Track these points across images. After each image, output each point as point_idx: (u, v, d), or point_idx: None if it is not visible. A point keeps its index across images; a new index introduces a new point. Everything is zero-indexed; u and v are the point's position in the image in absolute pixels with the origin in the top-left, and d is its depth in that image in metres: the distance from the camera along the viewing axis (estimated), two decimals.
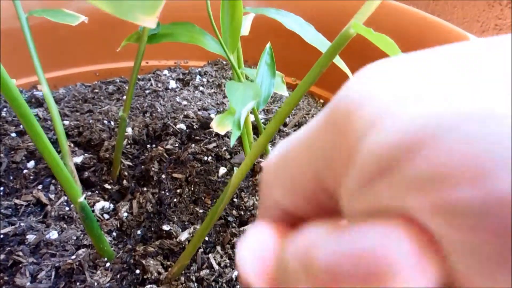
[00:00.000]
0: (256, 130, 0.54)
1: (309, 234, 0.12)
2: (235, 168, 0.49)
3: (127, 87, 0.64)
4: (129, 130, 0.54)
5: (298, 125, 0.54)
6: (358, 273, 0.10)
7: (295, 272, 0.11)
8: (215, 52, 0.41)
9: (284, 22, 0.40)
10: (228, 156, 0.50)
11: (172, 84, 0.64)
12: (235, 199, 0.45)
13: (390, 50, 0.20)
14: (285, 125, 0.54)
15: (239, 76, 0.35)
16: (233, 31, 0.32)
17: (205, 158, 0.50)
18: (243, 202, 0.44)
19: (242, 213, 0.44)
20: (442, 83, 0.10)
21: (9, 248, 0.40)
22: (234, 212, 0.44)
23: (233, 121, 0.26)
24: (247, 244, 0.13)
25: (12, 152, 0.52)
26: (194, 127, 0.55)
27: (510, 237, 0.08)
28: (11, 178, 0.49)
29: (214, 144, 0.51)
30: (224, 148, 0.51)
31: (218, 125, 0.43)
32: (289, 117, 0.55)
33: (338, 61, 0.40)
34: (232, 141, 0.26)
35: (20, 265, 0.39)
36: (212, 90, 0.63)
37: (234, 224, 0.43)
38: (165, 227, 0.42)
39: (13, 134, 0.56)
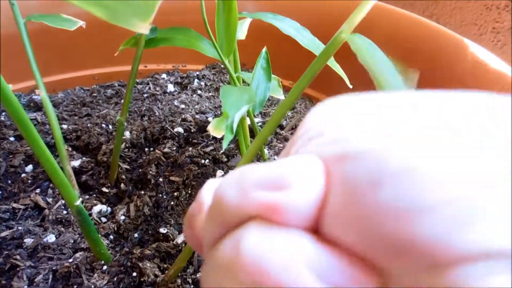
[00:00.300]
0: (254, 133, 0.54)
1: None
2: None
3: (125, 91, 0.65)
4: (127, 134, 0.55)
5: (295, 128, 0.54)
6: None
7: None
8: (212, 56, 0.41)
9: (280, 27, 0.40)
10: (225, 159, 0.50)
11: (170, 87, 0.64)
12: None
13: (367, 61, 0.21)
14: (282, 128, 0.54)
15: (234, 80, 0.35)
16: (229, 36, 0.32)
17: (202, 161, 0.50)
18: None
19: None
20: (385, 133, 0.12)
21: (6, 252, 0.40)
22: None
23: (226, 125, 0.26)
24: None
25: (11, 156, 0.52)
26: (192, 130, 0.55)
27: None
28: (9, 182, 0.49)
29: (211, 147, 0.52)
30: (221, 151, 0.51)
31: (215, 129, 0.43)
32: (285, 120, 0.55)
33: (333, 65, 0.40)
34: (224, 145, 0.26)
35: (18, 269, 0.39)
36: (210, 94, 0.63)
37: None
38: (162, 230, 0.42)
39: (12, 138, 0.56)
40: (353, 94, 0.15)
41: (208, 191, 0.17)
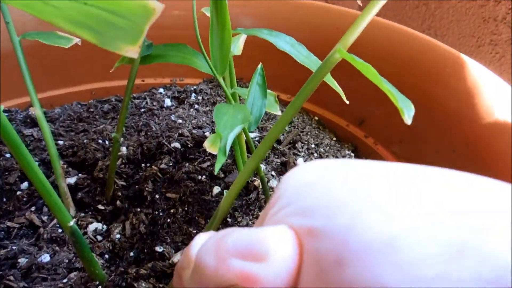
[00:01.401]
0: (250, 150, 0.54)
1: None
2: (225, 192, 0.48)
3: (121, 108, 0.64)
4: (123, 149, 0.54)
5: (293, 143, 0.54)
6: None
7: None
8: (208, 73, 0.41)
9: (276, 43, 0.40)
10: (222, 175, 0.50)
11: (168, 102, 0.64)
12: (228, 219, 0.45)
13: (373, 78, 0.20)
14: (279, 142, 0.54)
15: (229, 98, 0.35)
16: (223, 54, 0.32)
17: (199, 177, 0.49)
18: (236, 221, 0.44)
19: None
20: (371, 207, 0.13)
21: (0, 273, 0.40)
22: None
23: (219, 147, 0.26)
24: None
25: (6, 173, 0.52)
26: (189, 145, 0.55)
27: None
28: (4, 200, 0.49)
29: (208, 163, 0.51)
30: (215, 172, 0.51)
31: (211, 145, 0.43)
32: (283, 134, 0.55)
33: (330, 81, 0.40)
34: (217, 168, 0.25)
35: None
36: (207, 108, 0.63)
37: None
38: (158, 249, 0.42)
39: (8, 155, 0.56)
40: (327, 160, 0.16)
41: (197, 246, 0.18)
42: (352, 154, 0.54)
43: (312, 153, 0.52)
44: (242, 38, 0.48)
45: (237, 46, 0.47)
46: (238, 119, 0.28)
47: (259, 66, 0.39)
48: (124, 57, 0.45)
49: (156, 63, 0.44)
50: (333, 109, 0.59)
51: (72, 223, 0.34)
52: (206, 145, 0.43)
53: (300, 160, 0.49)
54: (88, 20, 0.19)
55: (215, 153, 0.48)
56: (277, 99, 0.45)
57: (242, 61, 0.50)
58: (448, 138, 0.46)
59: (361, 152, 0.56)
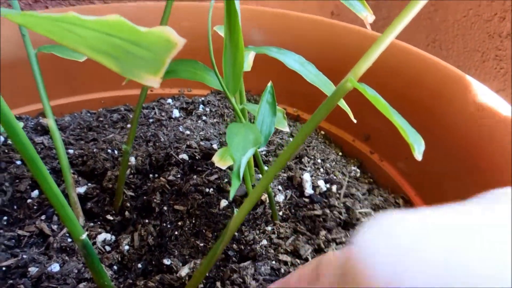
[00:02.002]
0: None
1: None
2: (233, 209, 0.49)
3: (131, 116, 0.65)
4: (132, 160, 0.55)
5: (299, 158, 0.54)
6: None
7: None
8: (218, 88, 0.42)
9: (285, 61, 0.40)
10: (230, 188, 0.51)
11: (176, 113, 0.65)
12: (235, 233, 0.45)
13: (384, 111, 0.21)
14: None
15: (239, 117, 0.36)
16: (235, 74, 0.33)
17: (207, 190, 0.50)
18: (243, 236, 0.45)
19: (243, 247, 0.44)
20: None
21: (11, 281, 0.41)
22: (235, 246, 0.44)
23: (233, 172, 0.26)
24: None
25: (17, 181, 0.53)
26: (197, 157, 0.55)
27: None
28: (15, 207, 0.50)
29: (215, 176, 0.52)
30: (226, 179, 0.51)
31: (220, 160, 0.44)
32: None
33: (340, 102, 0.41)
34: (232, 194, 0.26)
35: None
36: (215, 120, 0.64)
37: (234, 259, 0.44)
38: (166, 261, 0.42)
39: (18, 162, 0.57)
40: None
41: None
42: (358, 170, 0.54)
43: (318, 168, 0.53)
44: (252, 54, 0.49)
45: (247, 62, 0.48)
46: (250, 140, 0.29)
47: (269, 84, 0.40)
48: None
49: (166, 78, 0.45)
50: (340, 124, 0.60)
51: (84, 236, 0.34)
52: (215, 159, 0.44)
53: (306, 175, 0.50)
54: (111, 49, 0.20)
55: (223, 168, 0.49)
56: (285, 114, 0.46)
57: (251, 74, 0.51)
58: (454, 156, 0.46)
59: (366, 168, 0.57)
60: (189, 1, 0.69)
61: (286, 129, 0.45)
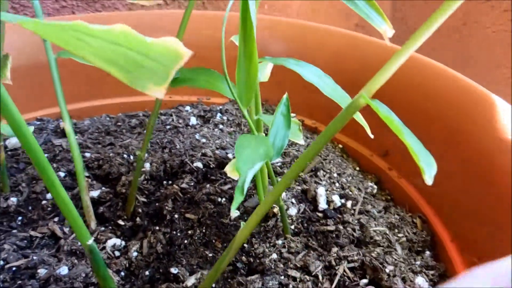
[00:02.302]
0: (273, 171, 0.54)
1: None
2: (244, 220, 0.48)
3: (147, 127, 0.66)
4: (147, 166, 0.55)
5: (315, 171, 0.53)
6: None
7: None
8: (233, 98, 0.42)
9: (302, 74, 0.40)
10: (242, 199, 0.50)
11: (193, 120, 0.65)
12: (245, 245, 0.45)
13: (396, 130, 0.20)
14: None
15: (252, 129, 0.35)
16: (248, 85, 0.33)
17: (219, 199, 0.50)
18: (253, 248, 0.44)
19: (252, 260, 0.43)
20: None
21: (20, 282, 0.41)
22: (244, 258, 0.43)
23: (237, 186, 0.26)
24: None
25: (34, 182, 0.53)
26: (211, 166, 0.55)
27: None
28: (30, 208, 0.50)
29: (229, 186, 0.51)
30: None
31: (233, 170, 0.43)
32: None
33: (357, 116, 0.40)
34: (233, 209, 0.25)
35: None
36: (232, 129, 0.63)
37: (242, 271, 0.43)
38: (173, 270, 0.42)
39: None
40: None
41: None
42: (375, 186, 0.53)
43: (333, 183, 0.51)
44: (270, 65, 0.48)
45: (264, 73, 0.48)
46: (260, 153, 0.28)
47: (285, 96, 0.39)
48: None
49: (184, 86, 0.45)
50: (358, 138, 0.59)
51: (91, 241, 0.34)
52: (228, 170, 0.43)
53: (321, 189, 0.49)
54: (119, 59, 0.20)
55: (236, 179, 0.48)
56: (301, 127, 0.45)
57: (269, 84, 0.50)
58: (476, 177, 0.45)
59: (384, 184, 0.55)
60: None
61: (301, 142, 0.44)
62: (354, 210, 0.47)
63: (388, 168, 0.55)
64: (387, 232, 0.44)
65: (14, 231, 0.47)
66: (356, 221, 0.46)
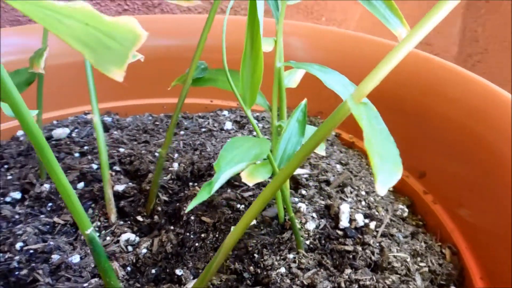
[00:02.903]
0: (298, 183, 0.52)
1: None
2: (260, 229, 0.46)
3: (186, 123, 0.66)
4: (175, 166, 0.55)
5: (342, 186, 0.50)
6: None
7: None
8: (257, 103, 0.41)
9: (325, 81, 0.38)
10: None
11: (228, 125, 0.64)
12: (255, 254, 0.43)
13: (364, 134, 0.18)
14: (328, 183, 0.51)
15: (257, 131, 0.34)
16: (253, 85, 0.31)
17: (238, 205, 0.48)
18: (262, 259, 0.42)
19: (259, 271, 0.41)
20: None
21: (33, 265, 0.42)
22: (251, 268, 0.42)
23: (205, 184, 0.24)
24: None
25: (68, 171, 0.55)
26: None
27: None
28: (60, 196, 0.52)
29: (250, 193, 0.50)
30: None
31: (248, 176, 0.42)
32: (334, 175, 0.52)
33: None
34: (190, 206, 0.24)
35: (37, 284, 0.40)
36: (266, 137, 0.62)
37: (248, 282, 0.41)
38: (178, 272, 0.41)
39: (77, 154, 0.60)
40: None
41: None
42: (406, 210, 0.49)
43: (360, 201, 0.48)
44: (300, 72, 0.47)
45: (293, 79, 0.46)
46: (250, 154, 0.27)
47: (303, 102, 0.37)
48: (181, 77, 0.46)
49: (207, 86, 0.44)
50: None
51: (89, 231, 0.34)
52: (243, 175, 0.42)
53: (345, 206, 0.46)
54: (89, 40, 0.20)
55: (250, 184, 0.47)
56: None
57: (298, 91, 0.49)
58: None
59: (416, 208, 0.51)
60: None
61: (323, 152, 0.42)
62: (377, 231, 0.44)
63: (424, 192, 0.51)
64: (408, 259, 0.40)
65: (42, 216, 0.49)
66: (377, 244, 0.42)
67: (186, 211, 0.25)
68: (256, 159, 0.27)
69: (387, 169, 0.16)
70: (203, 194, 0.24)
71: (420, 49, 0.69)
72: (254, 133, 0.62)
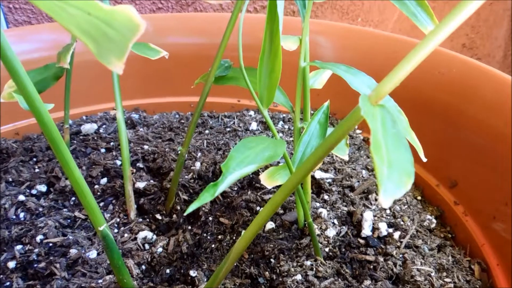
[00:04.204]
0: (320, 187, 0.50)
1: None
2: (278, 233, 0.45)
3: (211, 122, 0.66)
4: (197, 165, 0.55)
5: (366, 193, 0.48)
6: None
7: None
8: (281, 104, 0.39)
9: (351, 82, 0.36)
10: (281, 211, 0.47)
11: (253, 126, 0.63)
12: (272, 259, 0.42)
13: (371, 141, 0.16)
14: (352, 189, 0.49)
15: (274, 133, 0.33)
16: (271, 84, 0.30)
17: (257, 208, 0.47)
18: (279, 265, 0.41)
19: (274, 277, 0.40)
20: None
21: (51, 258, 0.42)
22: (267, 273, 0.40)
23: (212, 184, 0.23)
24: None
25: (93, 166, 0.56)
26: (259, 173, 0.53)
27: None
28: None
29: (270, 195, 0.49)
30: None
31: (267, 178, 0.41)
32: (358, 181, 0.50)
33: (411, 138, 0.35)
34: (190, 208, 0.23)
35: (53, 277, 0.40)
36: (291, 139, 0.60)
37: (263, 287, 0.40)
38: (192, 273, 0.41)
39: (102, 150, 0.60)
40: None
41: None
42: (434, 221, 0.46)
43: (384, 209, 0.46)
44: (327, 73, 0.45)
45: (319, 80, 0.44)
46: (263, 156, 0.25)
47: (326, 103, 0.36)
48: (204, 75, 0.45)
49: (230, 85, 0.43)
50: (425, 164, 0.52)
51: (103, 227, 0.34)
52: (262, 177, 0.41)
53: (368, 214, 0.44)
54: (92, 30, 0.19)
55: (269, 187, 0.45)
56: (347, 141, 0.41)
57: (324, 92, 0.47)
58: None
59: (446, 220, 0.48)
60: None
61: (346, 157, 0.40)
62: (401, 242, 0.42)
63: (454, 202, 0.48)
64: (432, 273, 0.38)
65: (65, 209, 0.50)
66: (400, 255, 0.40)
67: (185, 213, 0.24)
68: (268, 161, 0.25)
69: (394, 178, 0.15)
70: (206, 195, 0.23)
71: (461, 52, 0.66)
72: (280, 134, 0.61)
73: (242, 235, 0.26)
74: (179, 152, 0.58)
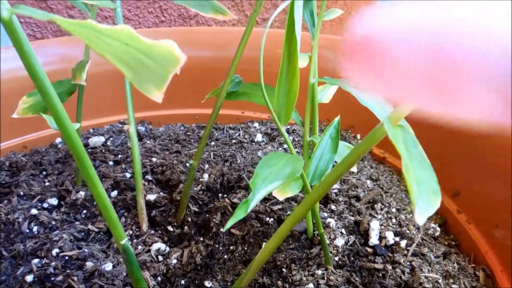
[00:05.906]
0: (327, 198, 0.51)
1: None
2: (288, 243, 0.46)
3: (217, 134, 0.67)
4: (205, 177, 0.56)
5: (372, 203, 0.50)
6: None
7: None
8: (291, 120, 0.41)
9: (359, 98, 0.38)
10: None
11: (259, 137, 0.65)
12: (284, 269, 0.43)
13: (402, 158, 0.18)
14: (358, 199, 0.51)
15: (290, 147, 0.34)
16: (289, 103, 0.32)
17: (267, 219, 0.49)
18: (291, 274, 0.42)
19: (287, 286, 0.41)
20: None
21: (68, 271, 0.43)
22: (279, 283, 0.42)
23: (243, 201, 0.25)
24: None
25: (103, 179, 0.57)
26: None
27: None
28: (94, 203, 0.54)
29: (279, 206, 0.50)
30: (289, 212, 0.49)
31: (279, 191, 0.42)
32: (364, 191, 0.51)
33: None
34: (228, 225, 0.24)
35: None
36: (296, 150, 0.62)
37: None
38: (207, 284, 0.42)
39: (111, 163, 0.61)
40: None
41: None
42: (438, 229, 0.48)
43: (390, 218, 0.48)
44: (334, 87, 0.47)
45: (327, 94, 0.46)
46: (284, 173, 0.27)
47: (336, 118, 0.37)
48: (215, 90, 0.47)
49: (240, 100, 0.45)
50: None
51: (124, 241, 0.35)
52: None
53: (374, 223, 0.46)
54: (129, 59, 0.21)
55: (281, 199, 0.47)
56: None
57: (335, 105, 0.48)
58: None
59: (449, 228, 0.50)
60: None
61: (354, 169, 0.42)
62: (408, 250, 0.43)
63: (457, 211, 0.50)
64: (440, 280, 0.39)
65: (77, 222, 0.51)
66: (407, 263, 0.42)
67: (224, 230, 0.26)
68: (289, 177, 0.27)
69: (425, 197, 0.16)
70: (240, 212, 0.24)
71: None
72: (285, 145, 0.63)
73: (263, 247, 0.28)
74: (187, 164, 0.59)
